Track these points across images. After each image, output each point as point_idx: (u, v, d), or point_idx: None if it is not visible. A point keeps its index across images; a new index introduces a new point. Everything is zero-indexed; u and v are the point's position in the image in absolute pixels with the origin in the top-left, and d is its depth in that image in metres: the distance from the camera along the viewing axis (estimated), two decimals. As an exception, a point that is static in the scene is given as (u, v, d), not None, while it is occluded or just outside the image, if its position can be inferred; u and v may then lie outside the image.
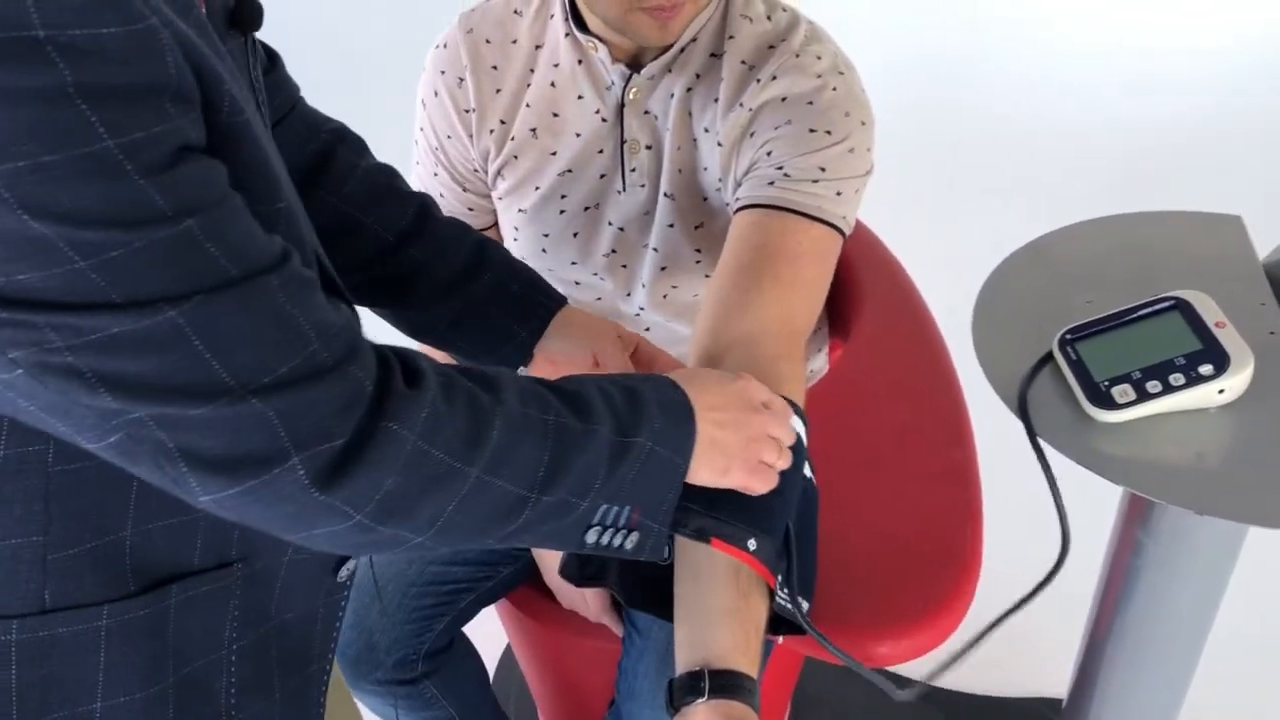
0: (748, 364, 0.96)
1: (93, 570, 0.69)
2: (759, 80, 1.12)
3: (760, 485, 0.84)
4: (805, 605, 0.90)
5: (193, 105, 0.59)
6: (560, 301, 1.05)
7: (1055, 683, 1.46)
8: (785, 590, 0.88)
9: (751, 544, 0.84)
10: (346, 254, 0.99)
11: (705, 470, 0.80)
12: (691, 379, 0.83)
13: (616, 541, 0.77)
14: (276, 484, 0.62)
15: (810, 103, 1.09)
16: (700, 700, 0.79)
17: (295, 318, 0.62)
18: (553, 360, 1.03)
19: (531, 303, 1.03)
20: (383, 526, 0.66)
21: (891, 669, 1.41)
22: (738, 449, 0.82)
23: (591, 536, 0.76)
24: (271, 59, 0.99)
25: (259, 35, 0.81)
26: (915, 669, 0.97)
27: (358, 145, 1.05)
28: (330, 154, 1.01)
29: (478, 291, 1.01)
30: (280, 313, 0.62)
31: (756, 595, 0.86)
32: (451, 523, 0.69)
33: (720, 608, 0.85)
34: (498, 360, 1.03)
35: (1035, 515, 0.98)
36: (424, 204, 1.04)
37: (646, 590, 0.96)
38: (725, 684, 0.80)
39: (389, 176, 1.04)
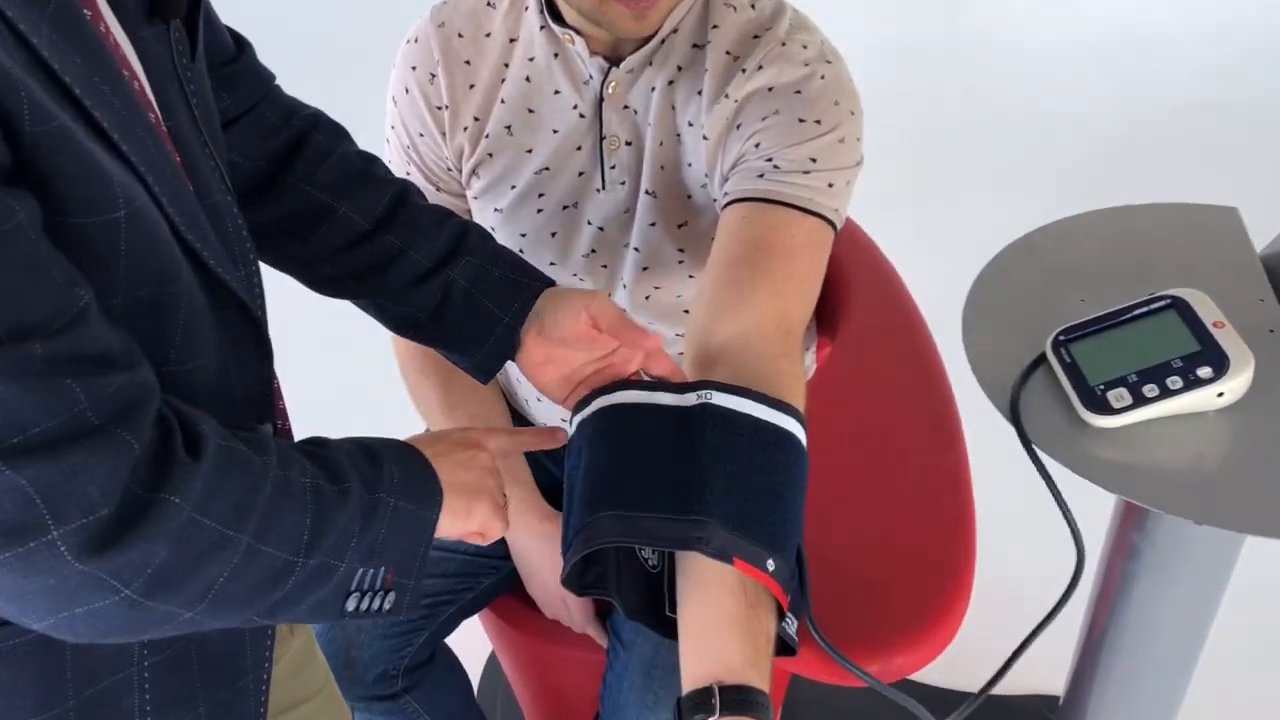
0: (745, 364, 0.93)
1: None
2: (744, 70, 1.08)
3: (500, 526, 0.88)
4: (795, 624, 0.87)
5: None
6: (544, 282, 0.99)
7: (1052, 682, 1.44)
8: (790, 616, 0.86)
9: (770, 565, 0.81)
10: (321, 242, 0.97)
11: (448, 516, 0.82)
12: (415, 439, 0.86)
13: (375, 604, 0.78)
14: (33, 557, 0.58)
15: (798, 92, 1.06)
16: (712, 718, 0.76)
17: (60, 380, 0.58)
18: (548, 338, 0.96)
19: (515, 286, 0.98)
20: (153, 601, 0.63)
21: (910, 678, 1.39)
22: (476, 484, 0.85)
23: (351, 603, 0.76)
24: (240, 47, 0.96)
25: (270, 36, 0.80)
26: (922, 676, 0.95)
27: (335, 132, 1.01)
28: (303, 141, 0.98)
29: (457, 277, 0.97)
30: (43, 376, 0.57)
31: (764, 606, 0.82)
32: (223, 593, 0.67)
33: (729, 618, 0.81)
34: (485, 351, 0.98)
35: (1029, 520, 0.96)
36: (403, 190, 1.00)
37: (642, 601, 0.93)
38: (738, 700, 0.76)
39: (367, 163, 1.01)
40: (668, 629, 0.89)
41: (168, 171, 0.69)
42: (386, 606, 0.78)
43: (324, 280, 1.00)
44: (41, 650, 0.70)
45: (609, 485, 0.85)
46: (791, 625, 0.86)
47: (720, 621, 0.81)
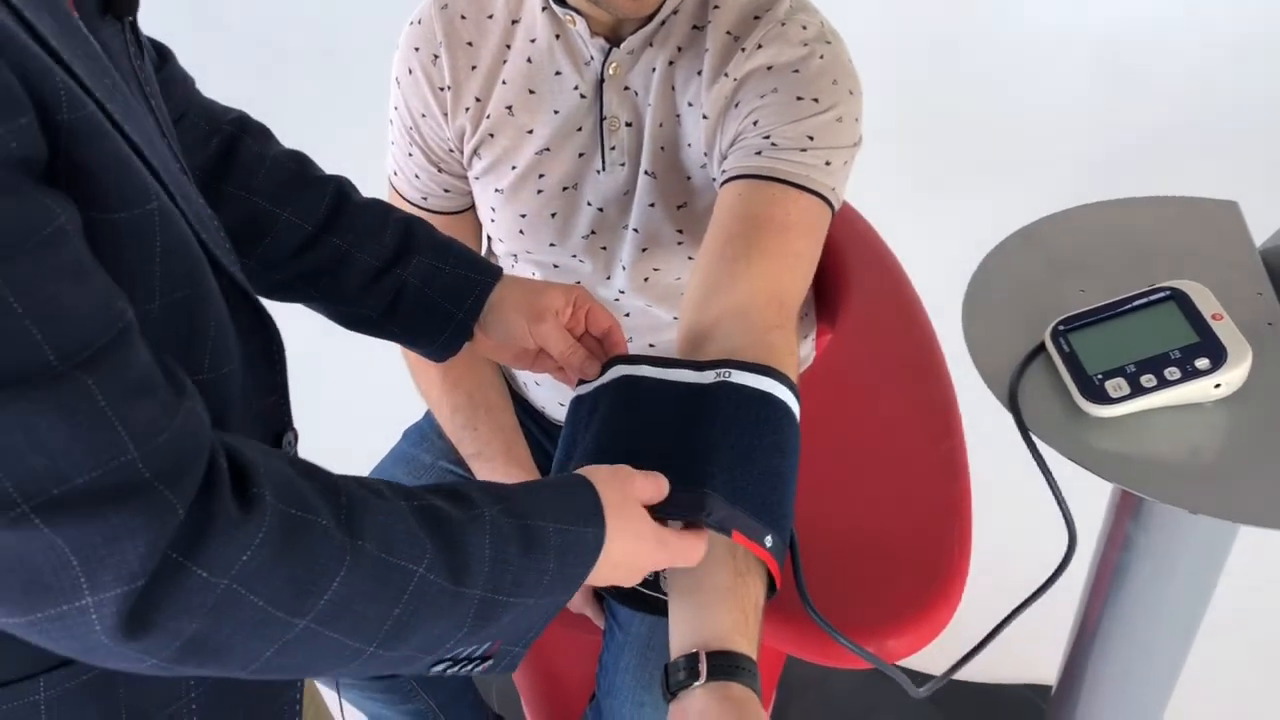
0: (738, 336, 0.93)
1: (22, 642, 0.59)
2: (744, 50, 1.08)
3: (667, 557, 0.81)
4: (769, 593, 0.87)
5: (17, 111, 0.51)
6: (494, 275, 1.00)
7: (1045, 670, 1.45)
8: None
9: (768, 540, 0.81)
10: (267, 250, 0.96)
11: (588, 584, 0.75)
12: (620, 510, 0.75)
13: (465, 670, 0.72)
14: (65, 620, 0.53)
15: (796, 71, 1.06)
16: (698, 683, 0.75)
17: (110, 423, 0.53)
18: (496, 343, 1.00)
19: (466, 281, 0.99)
20: (184, 666, 0.58)
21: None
22: (626, 579, 0.78)
23: (438, 668, 0.70)
24: (162, 56, 0.93)
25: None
26: (914, 661, 0.95)
27: (261, 134, 1.00)
28: (234, 147, 0.96)
29: (407, 277, 0.98)
30: (92, 417, 0.52)
31: (753, 575, 0.83)
32: (272, 665, 0.60)
33: (717, 586, 0.81)
34: (440, 344, 0.99)
35: (1026, 507, 0.96)
36: (340, 188, 0.99)
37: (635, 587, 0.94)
38: (724, 665, 0.76)
39: (299, 163, 0.99)
40: (661, 609, 0.90)
41: (173, 168, 0.67)
42: (478, 670, 0.72)
43: (275, 286, 0.98)
44: (101, 686, 0.68)
45: (619, 454, 0.85)
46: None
47: (708, 590, 0.81)
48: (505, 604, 0.68)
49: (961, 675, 0.91)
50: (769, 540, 0.81)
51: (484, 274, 1.00)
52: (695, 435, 0.85)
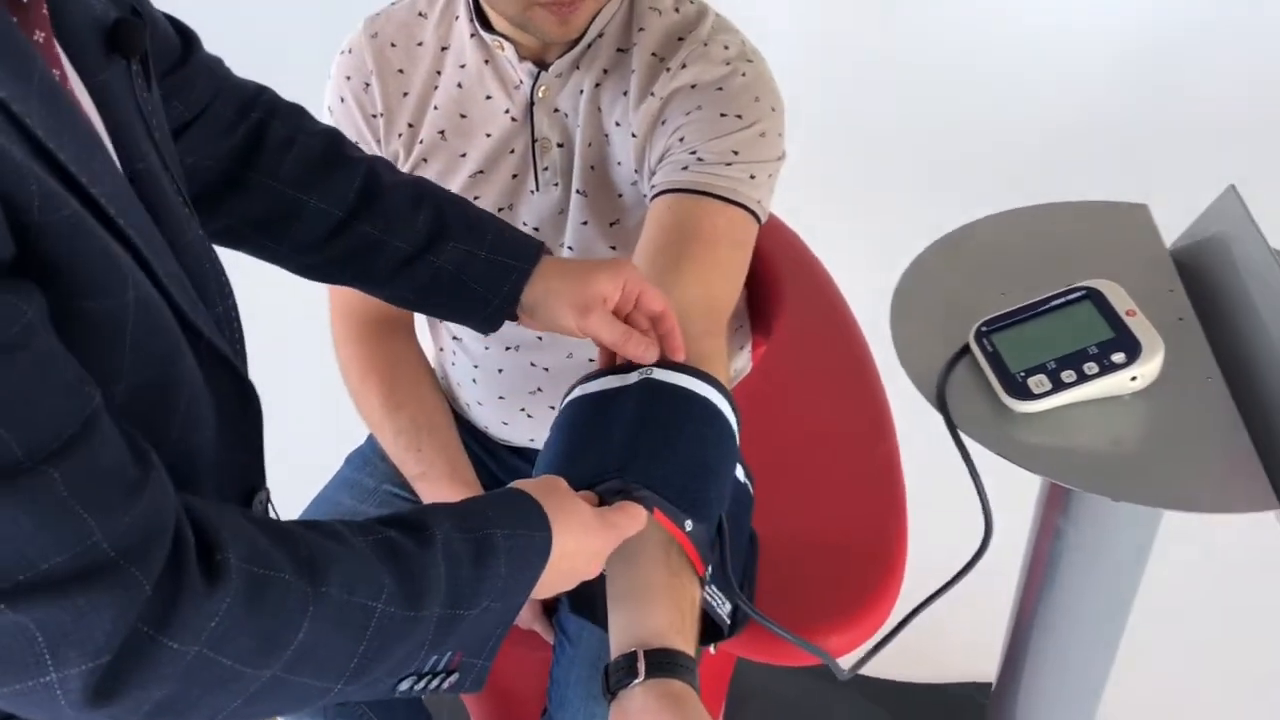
0: None
1: None
2: (669, 70, 1.11)
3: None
4: (726, 606, 0.89)
5: None
6: (531, 258, 0.98)
7: (985, 668, 1.48)
8: (713, 588, 0.88)
9: (688, 525, 0.83)
10: (298, 236, 0.95)
11: (545, 591, 0.76)
12: (560, 507, 0.76)
13: (433, 685, 0.72)
14: (31, 695, 0.54)
15: (720, 88, 1.09)
16: (637, 681, 0.76)
17: (75, 510, 0.53)
18: (544, 325, 0.98)
19: (501, 267, 0.96)
20: None
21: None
22: (584, 571, 0.79)
23: (405, 685, 0.71)
24: (187, 42, 0.91)
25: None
26: (847, 660, 0.97)
27: (291, 114, 0.98)
28: (262, 133, 0.95)
29: (441, 263, 0.96)
30: (57, 506, 0.52)
31: (687, 574, 0.85)
32: (239, 714, 0.61)
33: (651, 585, 0.83)
34: (480, 323, 0.99)
35: (960, 508, 0.99)
36: (370, 170, 0.97)
37: (584, 595, 0.95)
38: (662, 662, 0.77)
39: (330, 143, 0.97)
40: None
41: (155, 241, 0.65)
42: (446, 686, 0.72)
43: (308, 268, 0.98)
44: None
45: (548, 466, 0.87)
46: (723, 607, 0.88)
47: (643, 589, 0.83)
48: (462, 616, 0.69)
49: (906, 676, 0.93)
50: (688, 525, 0.83)
51: (520, 259, 0.97)
52: (616, 432, 0.87)
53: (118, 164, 0.66)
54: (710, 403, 0.90)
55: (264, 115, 0.95)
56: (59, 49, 0.64)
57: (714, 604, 0.88)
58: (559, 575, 0.76)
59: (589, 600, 0.94)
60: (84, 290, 0.57)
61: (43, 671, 0.53)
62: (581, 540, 0.77)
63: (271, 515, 0.81)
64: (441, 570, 0.67)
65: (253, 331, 0.82)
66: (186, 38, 0.91)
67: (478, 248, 0.96)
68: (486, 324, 1.00)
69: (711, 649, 0.92)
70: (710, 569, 0.87)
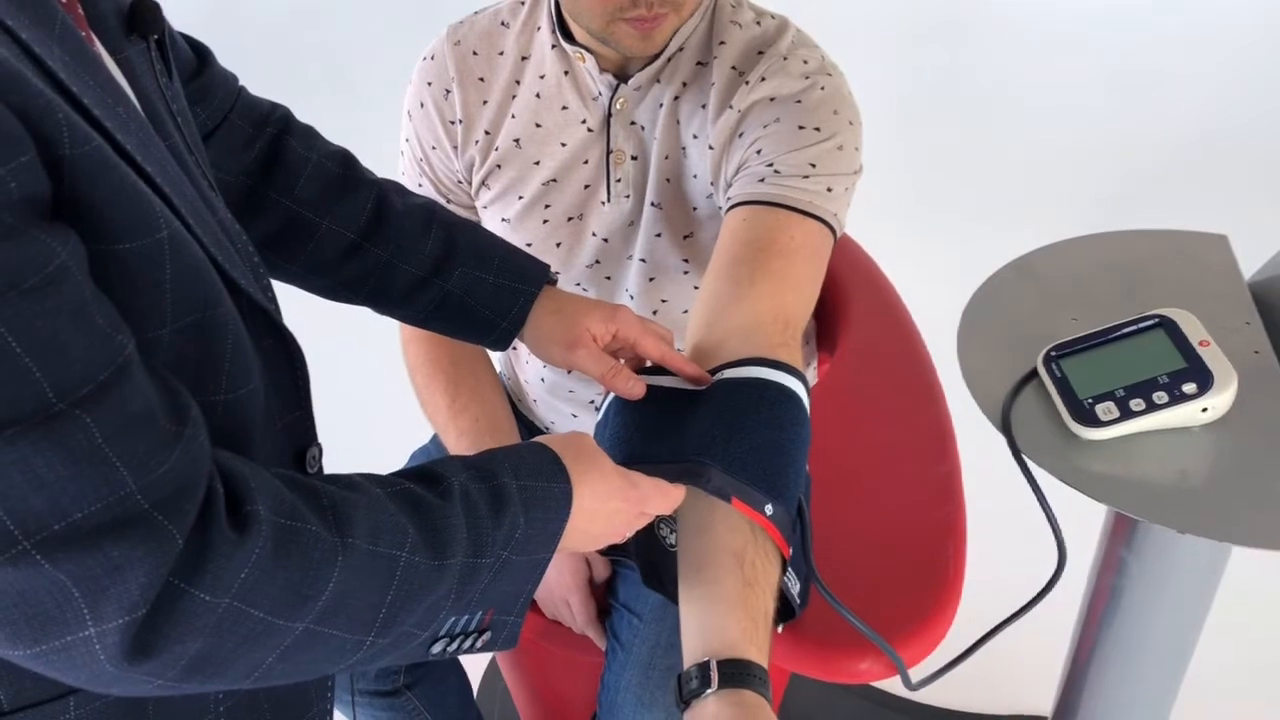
0: (743, 354, 0.95)
1: None
2: (747, 83, 1.12)
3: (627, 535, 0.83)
4: (797, 584, 0.89)
5: (17, 150, 0.51)
6: (538, 281, 1.01)
7: (1039, 700, 1.46)
8: (790, 571, 0.88)
9: (769, 509, 0.84)
10: (311, 257, 0.97)
11: (569, 548, 0.78)
12: (578, 459, 0.78)
13: (466, 645, 0.74)
14: (70, 652, 0.54)
15: (798, 101, 1.10)
16: (710, 691, 0.76)
17: (108, 458, 0.53)
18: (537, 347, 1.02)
19: (509, 291, 1.00)
20: (189, 684, 0.60)
21: (877, 685, 1.40)
22: (608, 534, 0.81)
23: (438, 648, 0.72)
24: (201, 57, 0.94)
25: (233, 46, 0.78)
26: (896, 683, 0.97)
27: (306, 135, 1.00)
28: (278, 151, 0.97)
29: (450, 287, 0.99)
30: (90, 453, 0.53)
31: (762, 584, 0.85)
32: (273, 671, 0.62)
33: (726, 596, 0.83)
34: (489, 343, 1.02)
35: (1019, 532, 0.98)
36: (381, 194, 0.99)
37: (661, 571, 0.97)
38: (735, 673, 0.77)
39: (343, 165, 1.00)
40: (670, 582, 0.92)
41: (188, 193, 0.67)
42: (479, 645, 0.74)
43: (320, 289, 1.01)
44: (130, 704, 0.69)
45: (620, 442, 0.88)
46: (794, 585, 0.88)
47: (718, 599, 0.83)
48: (483, 565, 0.70)
49: (957, 706, 0.92)
50: (769, 509, 0.84)
51: (528, 282, 1.00)
52: (691, 422, 0.88)
53: (148, 123, 0.67)
54: (779, 385, 0.91)
55: (279, 131, 0.98)
56: (87, 25, 0.65)
57: (788, 585, 0.88)
58: (579, 534, 0.77)
59: (658, 575, 0.96)
60: (118, 233, 0.58)
61: (81, 626, 0.53)
62: (601, 492, 0.78)
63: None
64: (461, 520, 0.69)
65: (306, 334, 0.83)
66: (200, 52, 0.94)
67: (485, 272, 0.99)
68: (496, 344, 1.03)
69: (779, 629, 0.92)
70: (791, 551, 0.87)
